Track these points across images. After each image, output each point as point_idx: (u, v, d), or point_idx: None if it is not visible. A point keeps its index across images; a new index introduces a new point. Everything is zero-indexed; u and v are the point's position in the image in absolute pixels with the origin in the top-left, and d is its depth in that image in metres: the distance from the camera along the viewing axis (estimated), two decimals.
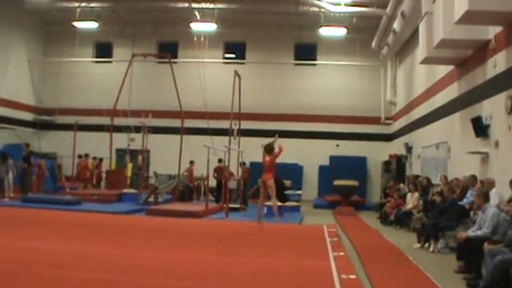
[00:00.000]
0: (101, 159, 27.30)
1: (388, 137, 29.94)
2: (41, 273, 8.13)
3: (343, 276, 8.59)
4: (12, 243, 10.94)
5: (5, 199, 21.23)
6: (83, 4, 28.45)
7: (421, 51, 17.52)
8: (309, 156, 29.91)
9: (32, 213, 17.45)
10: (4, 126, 29.00)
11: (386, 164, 28.01)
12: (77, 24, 29.65)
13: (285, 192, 23.39)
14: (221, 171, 23.49)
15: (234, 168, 22.35)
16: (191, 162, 25.23)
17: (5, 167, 22.39)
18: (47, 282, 7.64)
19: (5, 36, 29.06)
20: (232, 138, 21.58)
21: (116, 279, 8.04)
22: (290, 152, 28.43)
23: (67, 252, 10.17)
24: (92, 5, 28.59)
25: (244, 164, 23.87)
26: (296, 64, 31.67)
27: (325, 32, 28.50)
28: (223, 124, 23.08)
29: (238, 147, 22.85)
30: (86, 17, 28.98)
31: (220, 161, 23.52)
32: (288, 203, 21.28)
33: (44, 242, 11.44)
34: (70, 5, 28.71)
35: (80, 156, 26.32)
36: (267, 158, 16.05)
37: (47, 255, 9.72)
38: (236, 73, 21.94)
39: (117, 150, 28.05)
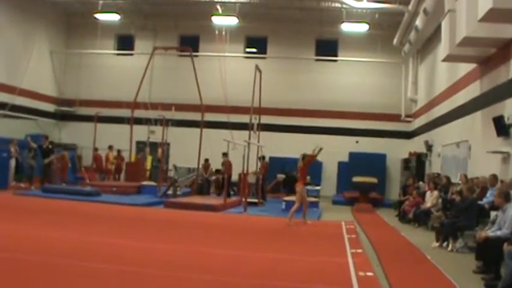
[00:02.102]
0: (118, 151, 27.35)
1: (408, 135, 29.78)
2: (59, 262, 8.21)
3: (361, 273, 8.59)
4: (31, 232, 11.04)
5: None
6: None
7: (443, 49, 17.38)
8: (328, 152, 29.55)
9: (52, 203, 17.63)
10: (26, 116, 29.31)
11: (406, 162, 27.86)
12: (98, 16, 29.75)
13: None
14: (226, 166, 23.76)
15: (253, 162, 22.28)
16: (206, 161, 25.07)
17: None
18: (65, 272, 7.70)
19: (28, 28, 29.26)
20: (252, 132, 21.59)
21: (132, 270, 8.09)
22: (310, 147, 28.56)
23: (85, 243, 10.26)
24: None
25: (263, 158, 23.87)
26: (317, 60, 31.55)
27: (346, 27, 28.40)
28: (243, 118, 23.11)
29: (258, 142, 22.84)
30: (107, 9, 29.08)
31: (225, 154, 23.68)
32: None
33: (62, 232, 11.53)
34: None
35: (95, 149, 26.58)
36: (300, 165, 16.32)
37: (64, 246, 9.79)
38: (257, 68, 21.93)
39: (137, 143, 28.12)
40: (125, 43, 33.27)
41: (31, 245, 9.59)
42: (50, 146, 23.92)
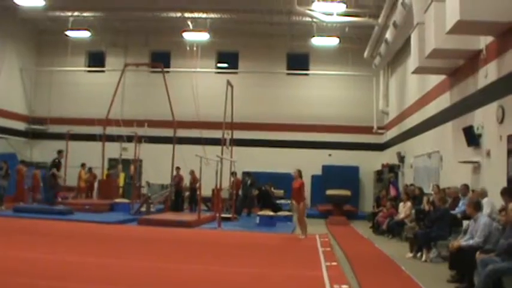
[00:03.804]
0: (90, 169, 27.15)
1: (380, 147, 29.95)
2: (30, 283, 8.09)
3: (336, 286, 8.58)
4: (2, 253, 10.88)
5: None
6: (76, 13, 28.49)
7: (413, 61, 17.57)
8: (302, 165, 29.13)
9: (24, 223, 17.40)
10: None
11: (379, 174, 28.01)
12: (69, 33, 29.60)
13: (278, 202, 23.52)
14: (180, 180, 23.81)
15: (226, 178, 22.27)
16: (177, 169, 24.87)
17: None
18: None
19: None
20: (224, 147, 21.57)
21: None
22: (282, 161, 28.74)
23: (58, 262, 10.13)
24: (85, 14, 28.64)
25: (235, 174, 23.89)
26: (288, 74, 31.69)
27: (317, 41, 28.54)
28: (216, 134, 23.06)
29: (231, 157, 22.82)
30: (78, 26, 28.99)
31: (178, 168, 23.72)
32: (280, 213, 21.30)
33: (35, 252, 11.40)
34: (62, 14, 28.72)
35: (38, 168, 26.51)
36: (296, 185, 16.48)
37: (37, 266, 9.67)
38: (228, 83, 21.94)
39: (110, 160, 27.91)
40: (96, 60, 33.12)
41: (3, 266, 9.45)
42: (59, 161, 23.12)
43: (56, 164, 22.56)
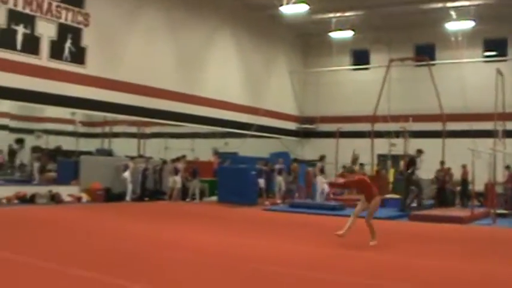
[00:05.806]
0: (361, 165, 27.55)
1: None
2: (297, 273, 8.54)
3: None
4: (275, 244, 11.61)
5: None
6: (338, 14, 29.37)
7: None
8: None
9: (296, 217, 18.74)
10: (270, 135, 31.04)
11: None
12: (333, 34, 30.61)
13: None
14: (445, 174, 23.48)
15: (500, 171, 21.34)
16: (441, 163, 24.26)
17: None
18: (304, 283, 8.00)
19: (268, 51, 31.08)
20: (497, 139, 20.74)
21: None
22: None
23: (330, 256, 10.56)
24: (346, 14, 29.42)
25: (510, 167, 22.79)
26: None
27: None
28: (486, 125, 22.28)
29: (504, 149, 21.86)
30: (341, 26, 29.88)
31: (442, 163, 23.44)
32: None
33: (309, 245, 11.97)
34: (325, 16, 29.83)
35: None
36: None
37: (308, 258, 10.17)
38: (498, 71, 21.05)
39: (379, 156, 28.21)
40: (360, 58, 33.88)
41: (275, 256, 10.16)
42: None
43: (414, 163, 22.02)
